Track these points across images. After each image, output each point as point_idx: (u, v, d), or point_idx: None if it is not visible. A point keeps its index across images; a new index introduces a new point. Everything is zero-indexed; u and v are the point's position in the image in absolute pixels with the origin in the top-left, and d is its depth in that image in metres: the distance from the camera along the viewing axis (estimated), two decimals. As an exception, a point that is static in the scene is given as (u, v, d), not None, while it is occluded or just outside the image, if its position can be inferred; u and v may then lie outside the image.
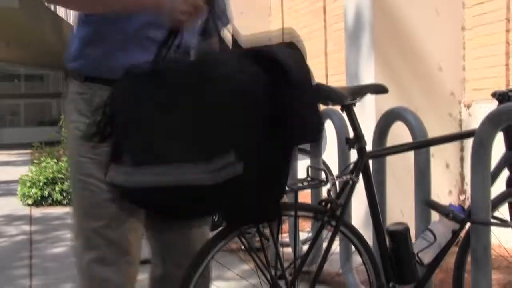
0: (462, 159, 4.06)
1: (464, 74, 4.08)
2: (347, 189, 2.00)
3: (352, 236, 1.99)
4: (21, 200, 6.79)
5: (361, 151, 2.03)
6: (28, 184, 6.78)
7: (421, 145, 2.28)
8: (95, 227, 1.52)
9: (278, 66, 1.33)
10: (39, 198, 6.63)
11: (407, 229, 2.07)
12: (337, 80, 5.67)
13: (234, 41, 1.39)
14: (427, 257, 2.09)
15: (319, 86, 1.97)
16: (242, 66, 1.33)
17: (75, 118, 1.54)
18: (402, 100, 3.48)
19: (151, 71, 1.34)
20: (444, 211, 2.11)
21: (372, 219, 2.06)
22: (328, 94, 1.98)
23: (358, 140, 2.03)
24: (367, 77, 3.82)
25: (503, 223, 2.11)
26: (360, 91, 2.06)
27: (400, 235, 2.05)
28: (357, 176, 2.00)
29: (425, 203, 2.28)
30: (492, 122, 1.98)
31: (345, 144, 2.09)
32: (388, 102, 2.94)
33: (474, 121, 3.80)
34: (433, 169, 2.37)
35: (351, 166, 2.06)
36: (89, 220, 1.53)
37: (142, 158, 1.30)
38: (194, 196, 1.31)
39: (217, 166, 1.26)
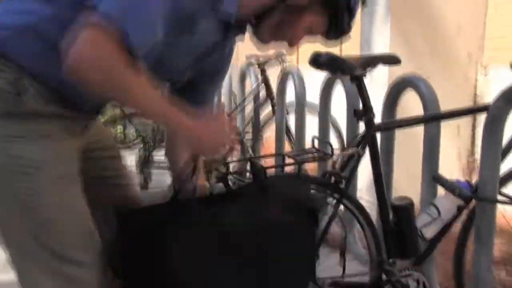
0: (474, 119, 4.01)
1: (482, 32, 3.98)
2: (353, 162, 1.98)
3: (355, 209, 1.98)
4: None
5: (369, 123, 1.99)
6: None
7: (431, 119, 2.23)
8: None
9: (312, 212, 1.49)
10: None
11: (411, 204, 2.05)
12: (351, 49, 5.56)
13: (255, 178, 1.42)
14: (430, 232, 2.08)
15: (331, 55, 1.93)
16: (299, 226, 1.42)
17: None
18: (418, 69, 3.40)
19: (202, 212, 1.29)
20: (451, 187, 2.08)
21: (376, 193, 2.04)
22: (338, 65, 1.94)
23: (366, 112, 1.99)
24: (382, 45, 3.74)
25: (510, 200, 2.08)
26: (371, 62, 2.02)
27: (404, 209, 2.04)
28: (363, 149, 1.98)
29: (432, 178, 2.25)
30: (506, 99, 1.93)
31: (353, 116, 2.06)
32: (402, 72, 2.87)
33: (490, 84, 3.77)
34: (444, 132, 2.31)
35: (358, 138, 2.03)
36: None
37: None
38: None
39: None
